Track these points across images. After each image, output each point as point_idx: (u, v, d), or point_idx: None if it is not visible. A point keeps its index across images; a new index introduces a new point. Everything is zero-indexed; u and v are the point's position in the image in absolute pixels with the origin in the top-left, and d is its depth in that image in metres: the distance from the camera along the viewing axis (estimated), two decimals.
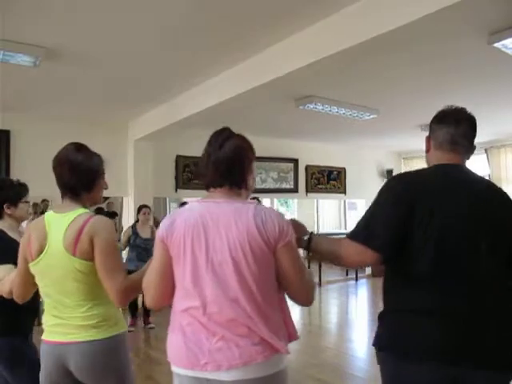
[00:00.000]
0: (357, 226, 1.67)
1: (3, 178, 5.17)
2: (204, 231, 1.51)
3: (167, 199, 9.18)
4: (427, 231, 1.54)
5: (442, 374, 1.52)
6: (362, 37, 3.13)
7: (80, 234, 1.74)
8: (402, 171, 2.05)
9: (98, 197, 1.97)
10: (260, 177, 8.38)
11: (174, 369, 1.56)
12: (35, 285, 1.91)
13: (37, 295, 2.01)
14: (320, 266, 8.98)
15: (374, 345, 1.69)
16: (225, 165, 1.57)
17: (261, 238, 1.46)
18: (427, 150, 1.82)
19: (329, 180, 9.62)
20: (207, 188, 1.63)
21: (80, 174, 1.85)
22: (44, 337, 1.89)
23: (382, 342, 1.66)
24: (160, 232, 1.58)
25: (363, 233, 1.62)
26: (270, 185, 8.69)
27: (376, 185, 10.58)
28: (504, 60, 4.15)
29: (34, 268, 1.85)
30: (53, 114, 6.24)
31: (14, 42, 3.59)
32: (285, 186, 8.94)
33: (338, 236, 2.58)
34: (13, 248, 2.06)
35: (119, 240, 5.83)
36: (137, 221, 6.08)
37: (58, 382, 1.85)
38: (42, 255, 1.81)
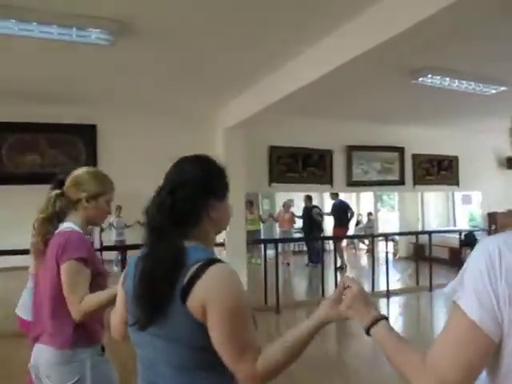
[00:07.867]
0: None
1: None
2: None
3: (259, 195, 8.72)
4: None
5: None
6: None
7: None
8: None
9: None
10: (361, 168, 7.82)
11: None
12: None
13: None
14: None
15: None
16: None
17: None
18: None
19: (439, 170, 8.84)
20: None
21: None
22: None
23: None
24: None
25: None
26: (373, 177, 8.12)
27: (494, 175, 9.44)
28: None
29: None
30: (138, 107, 6.04)
31: (85, 16, 3.21)
32: (390, 177, 8.31)
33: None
34: None
35: None
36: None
37: None
38: None
